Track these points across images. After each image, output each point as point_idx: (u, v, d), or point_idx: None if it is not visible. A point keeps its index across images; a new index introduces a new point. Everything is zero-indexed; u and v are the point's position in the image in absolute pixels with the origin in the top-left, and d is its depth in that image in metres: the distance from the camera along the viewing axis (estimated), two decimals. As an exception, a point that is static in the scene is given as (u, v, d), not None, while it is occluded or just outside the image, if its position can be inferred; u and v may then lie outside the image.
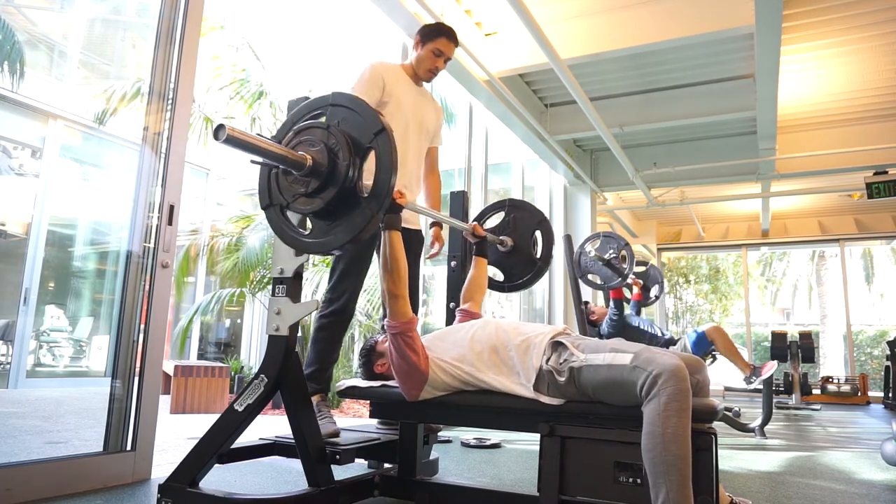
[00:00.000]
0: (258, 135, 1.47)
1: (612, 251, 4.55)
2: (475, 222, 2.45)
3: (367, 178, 1.53)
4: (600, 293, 6.06)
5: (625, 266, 4.49)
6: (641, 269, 5.40)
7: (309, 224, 1.63)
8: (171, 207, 2.45)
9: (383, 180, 1.48)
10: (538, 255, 2.65)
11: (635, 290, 5.16)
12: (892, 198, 6.03)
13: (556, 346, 1.67)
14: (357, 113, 1.55)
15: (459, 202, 2.71)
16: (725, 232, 10.51)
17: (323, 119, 1.60)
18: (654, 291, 5.39)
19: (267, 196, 1.63)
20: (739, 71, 5.29)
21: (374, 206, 1.48)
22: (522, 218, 2.68)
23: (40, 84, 5.42)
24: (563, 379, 1.59)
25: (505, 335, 1.75)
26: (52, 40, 5.57)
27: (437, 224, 2.70)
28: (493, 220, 2.77)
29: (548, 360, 1.64)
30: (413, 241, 2.50)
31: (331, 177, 1.51)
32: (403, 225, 2.42)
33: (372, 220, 1.49)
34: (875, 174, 6.10)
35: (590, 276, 4.66)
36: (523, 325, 1.81)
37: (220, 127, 1.31)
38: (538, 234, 2.65)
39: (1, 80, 4.40)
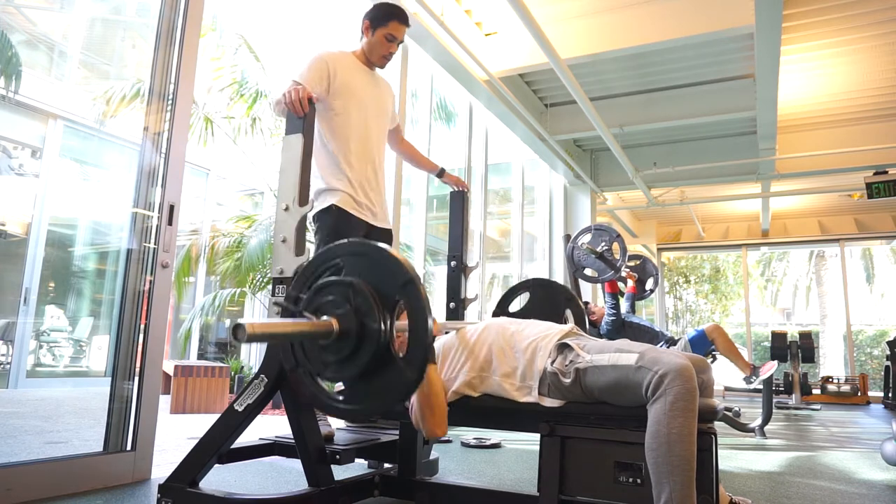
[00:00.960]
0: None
1: (603, 243, 4.55)
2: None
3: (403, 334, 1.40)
4: (600, 293, 6.06)
5: (618, 258, 4.48)
6: (637, 262, 5.41)
7: (340, 385, 1.51)
8: (171, 207, 2.45)
9: (420, 341, 1.32)
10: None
11: (630, 283, 5.16)
12: (892, 198, 6.03)
13: (562, 347, 1.65)
14: (380, 262, 1.40)
15: (459, 202, 2.70)
16: (725, 232, 10.51)
17: (342, 271, 1.45)
18: (649, 284, 5.40)
19: (293, 358, 1.50)
20: (739, 71, 5.29)
21: (416, 371, 1.32)
22: (549, 297, 2.51)
23: (40, 84, 5.42)
24: (568, 380, 1.58)
25: (511, 337, 1.72)
26: (52, 40, 5.57)
27: (440, 172, 2.68)
28: (519, 302, 2.62)
29: (553, 362, 1.63)
30: (386, 239, 2.47)
31: (361, 341, 1.36)
32: (374, 223, 2.40)
33: (414, 384, 1.34)
34: (875, 174, 6.10)
35: (585, 270, 4.66)
36: (529, 325, 1.77)
37: (238, 326, 1.18)
38: (569, 312, 2.48)
39: (2, 80, 4.40)
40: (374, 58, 2.42)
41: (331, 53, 2.33)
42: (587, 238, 4.64)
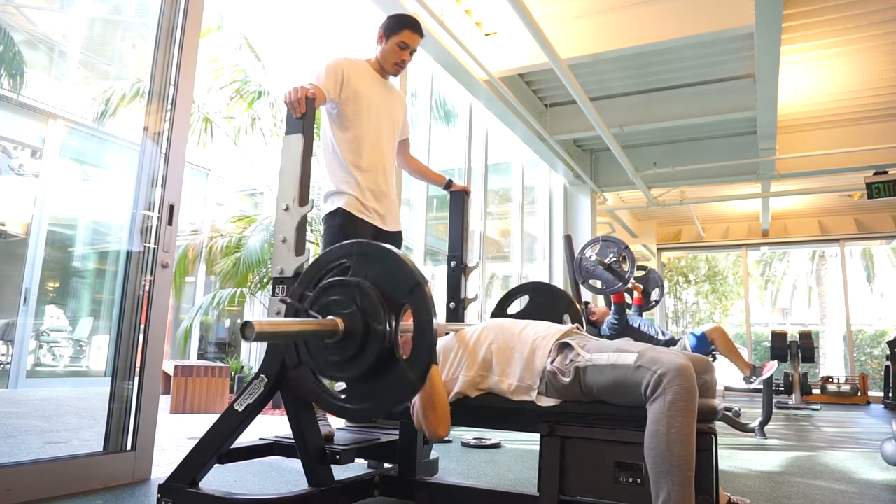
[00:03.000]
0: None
1: (612, 255, 4.52)
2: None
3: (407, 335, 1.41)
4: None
5: (626, 270, 4.47)
6: (642, 273, 5.39)
7: (342, 384, 1.51)
8: (171, 207, 2.45)
9: (424, 344, 1.33)
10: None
11: (636, 294, 5.15)
12: (892, 198, 6.04)
13: (563, 347, 1.65)
14: (389, 265, 1.40)
15: (459, 202, 2.70)
16: (725, 232, 10.51)
17: (350, 271, 1.45)
18: (654, 296, 5.38)
19: (296, 356, 1.52)
20: (739, 71, 5.29)
21: (419, 374, 1.34)
22: (548, 302, 2.53)
23: (40, 84, 5.42)
24: (567, 379, 1.57)
25: (511, 336, 1.72)
26: (52, 40, 5.57)
27: (448, 184, 2.70)
28: (518, 305, 2.64)
29: (552, 361, 1.62)
30: (395, 242, 2.50)
31: (366, 342, 1.37)
32: (382, 226, 2.42)
33: (416, 388, 1.36)
34: (875, 174, 6.10)
35: (591, 282, 4.62)
36: (528, 325, 1.77)
37: (247, 324, 1.20)
38: (567, 317, 2.50)
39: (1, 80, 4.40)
40: (387, 65, 2.46)
41: (347, 59, 2.37)
42: (596, 249, 4.60)
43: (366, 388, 1.41)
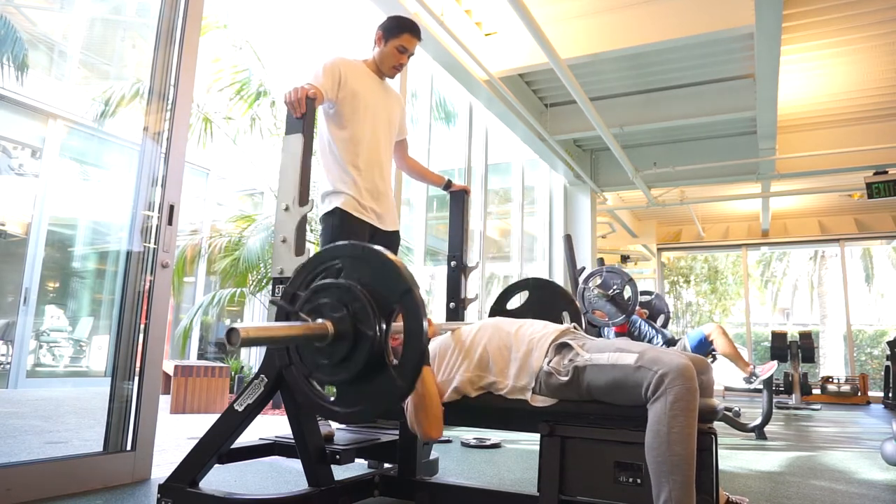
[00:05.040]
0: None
1: (615, 286, 4.47)
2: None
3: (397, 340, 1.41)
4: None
5: (629, 301, 4.41)
6: (647, 298, 5.36)
7: (333, 388, 1.50)
8: (171, 207, 2.45)
9: (414, 349, 1.32)
10: None
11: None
12: (892, 198, 6.04)
13: (561, 347, 1.65)
14: (380, 269, 1.39)
15: (459, 201, 2.70)
16: (725, 232, 10.51)
17: (341, 273, 1.44)
18: (659, 322, 5.34)
19: (287, 357, 1.52)
20: (739, 71, 5.29)
21: (408, 379, 1.33)
22: (547, 299, 2.52)
23: (40, 84, 5.42)
24: (564, 379, 1.57)
25: (508, 336, 1.72)
26: (52, 40, 5.57)
27: (447, 185, 2.69)
28: (517, 301, 2.63)
29: (549, 361, 1.62)
30: (392, 242, 2.50)
31: (356, 346, 1.37)
32: (380, 226, 2.43)
33: (406, 393, 1.35)
34: (875, 174, 6.10)
35: (595, 313, 4.54)
36: (525, 324, 1.77)
37: (233, 330, 1.19)
38: (566, 315, 2.49)
39: (2, 79, 4.40)
40: (385, 68, 2.46)
41: (344, 60, 2.37)
42: (598, 281, 4.56)
43: (355, 391, 1.41)
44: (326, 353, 1.40)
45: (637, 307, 4.67)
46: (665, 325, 5.40)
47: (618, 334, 4.60)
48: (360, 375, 1.37)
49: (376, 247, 1.43)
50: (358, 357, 1.36)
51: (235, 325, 1.18)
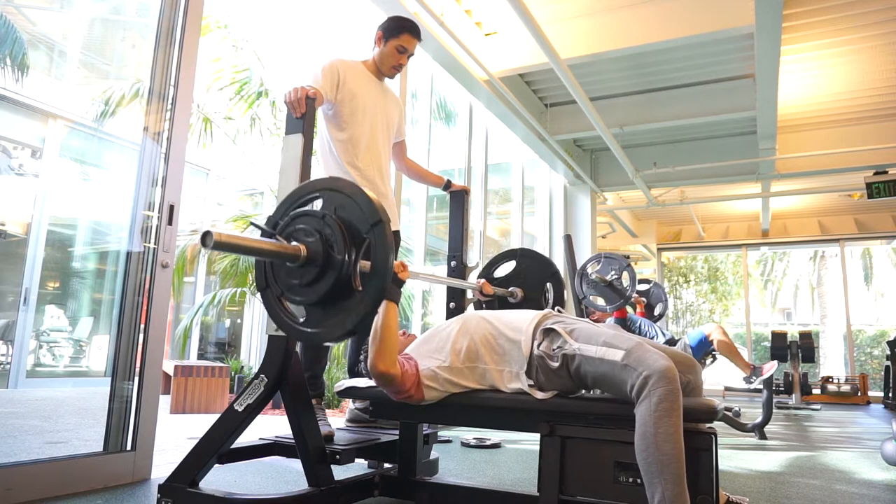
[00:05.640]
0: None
1: (613, 272, 4.48)
2: (483, 279, 2.43)
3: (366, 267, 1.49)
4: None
5: (627, 287, 4.43)
6: (645, 286, 5.37)
7: (304, 310, 1.58)
8: (171, 207, 2.44)
9: (379, 274, 1.43)
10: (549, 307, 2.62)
11: (638, 308, 5.13)
12: (892, 198, 6.04)
13: (548, 332, 1.67)
14: (355, 201, 1.49)
15: (459, 201, 2.71)
16: (725, 232, 10.51)
17: (319, 205, 1.54)
18: (657, 310, 5.35)
19: (263, 279, 1.59)
20: (739, 71, 5.29)
21: (368, 304, 1.44)
22: (534, 269, 2.62)
23: (40, 84, 5.42)
24: (555, 364, 1.61)
25: (492, 325, 1.75)
26: (52, 40, 5.57)
27: (447, 185, 2.70)
28: (504, 269, 2.72)
29: (539, 345, 1.66)
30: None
31: (325, 269, 1.46)
32: None
33: (367, 316, 1.45)
34: (875, 174, 6.10)
35: (592, 298, 4.58)
36: (506, 313, 1.81)
37: (207, 234, 1.27)
38: (549, 286, 2.58)
39: (2, 79, 4.40)
40: (385, 68, 2.46)
41: (342, 61, 2.37)
42: (596, 267, 4.57)
43: (322, 313, 1.50)
44: (298, 275, 1.50)
45: (635, 294, 4.70)
46: (662, 314, 5.41)
47: (617, 320, 4.60)
48: (327, 298, 1.47)
49: (353, 182, 1.54)
50: (327, 279, 1.46)
51: (210, 229, 1.27)
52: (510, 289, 2.62)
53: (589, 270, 4.56)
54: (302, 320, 1.55)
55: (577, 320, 1.72)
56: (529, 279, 2.59)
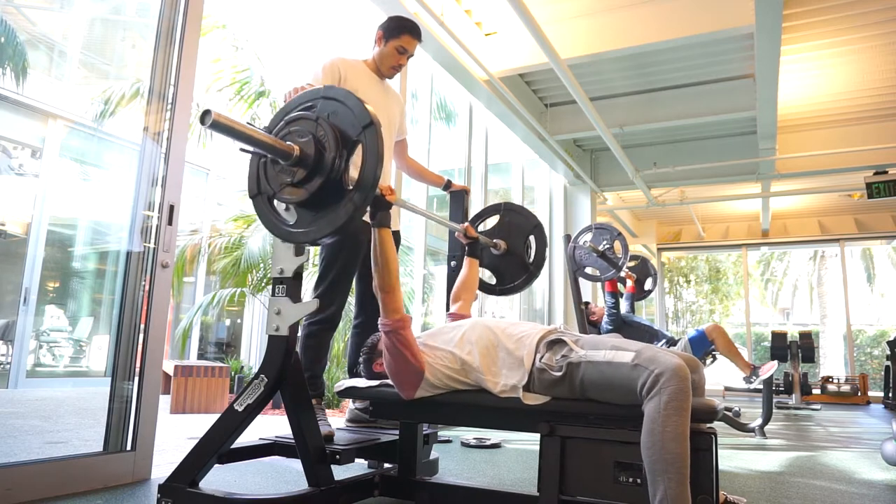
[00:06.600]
0: (248, 123, 1.48)
1: (605, 242, 4.56)
2: (468, 223, 2.45)
3: (356, 172, 1.55)
4: (601, 293, 6.07)
5: (619, 257, 4.50)
6: (635, 262, 5.42)
7: (295, 214, 1.64)
8: (171, 207, 2.44)
9: (369, 173, 1.50)
10: (531, 260, 2.65)
11: (629, 283, 5.18)
12: (892, 198, 6.03)
13: (553, 343, 1.66)
14: (347, 106, 1.56)
15: (459, 201, 2.71)
16: (725, 232, 10.51)
17: (314, 111, 1.61)
18: (647, 285, 5.42)
19: (255, 185, 1.66)
20: (739, 71, 5.29)
21: (359, 199, 1.50)
22: (517, 222, 2.66)
23: (40, 84, 5.42)
24: (557, 374, 1.59)
25: (495, 336, 1.75)
26: (52, 40, 5.57)
27: (447, 185, 2.71)
28: (489, 224, 2.77)
29: (541, 357, 1.64)
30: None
31: (317, 167, 1.53)
32: None
33: (355, 212, 1.50)
34: (875, 174, 6.10)
35: (585, 269, 4.67)
36: (514, 324, 1.80)
37: (206, 112, 1.32)
38: (532, 238, 2.63)
39: (2, 80, 4.40)
40: (384, 68, 2.46)
41: (343, 59, 2.37)
42: (588, 237, 4.65)
43: (312, 214, 1.57)
44: (290, 173, 1.56)
45: (625, 270, 4.75)
46: (652, 290, 5.48)
47: (608, 293, 4.64)
48: (318, 196, 1.53)
49: (347, 90, 1.61)
50: (317, 178, 1.52)
51: (210, 109, 1.32)
52: (494, 240, 2.64)
53: (581, 241, 4.63)
54: (291, 221, 1.61)
55: (585, 336, 1.73)
56: (513, 233, 2.65)
